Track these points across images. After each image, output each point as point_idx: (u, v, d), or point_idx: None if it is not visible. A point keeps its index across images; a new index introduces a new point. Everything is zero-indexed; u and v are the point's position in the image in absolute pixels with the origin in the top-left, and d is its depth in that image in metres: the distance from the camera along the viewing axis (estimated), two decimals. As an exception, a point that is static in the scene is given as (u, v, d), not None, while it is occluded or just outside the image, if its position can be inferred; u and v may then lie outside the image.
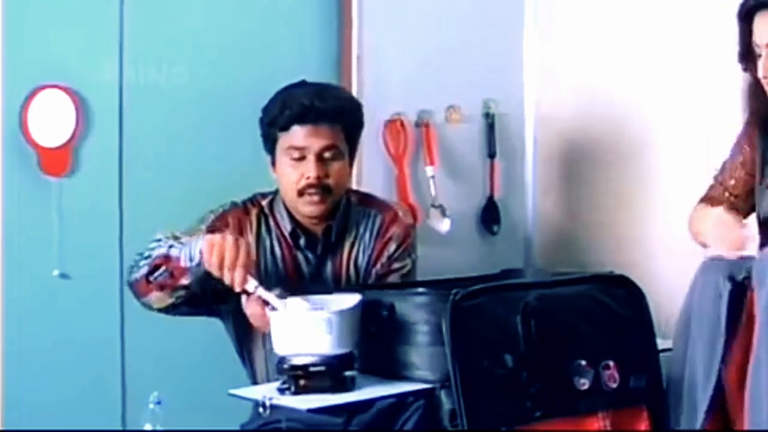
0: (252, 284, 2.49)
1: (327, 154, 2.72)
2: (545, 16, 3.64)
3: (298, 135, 2.71)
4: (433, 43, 3.46)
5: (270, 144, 2.76)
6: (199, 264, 2.53)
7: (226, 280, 2.48)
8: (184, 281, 2.58)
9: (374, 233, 2.80)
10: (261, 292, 2.50)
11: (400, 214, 2.87)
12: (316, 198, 2.71)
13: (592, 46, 3.53)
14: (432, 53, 3.46)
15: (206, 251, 2.50)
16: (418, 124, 3.46)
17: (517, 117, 3.65)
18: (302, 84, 2.78)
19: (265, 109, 2.76)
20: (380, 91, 3.35)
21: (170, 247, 2.58)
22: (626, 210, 3.44)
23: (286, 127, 2.71)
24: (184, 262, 2.55)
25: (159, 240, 2.63)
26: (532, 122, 3.67)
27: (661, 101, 3.35)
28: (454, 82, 3.51)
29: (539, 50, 3.65)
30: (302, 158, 2.71)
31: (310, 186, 2.70)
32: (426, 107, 3.47)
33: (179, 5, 3.16)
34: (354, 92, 3.25)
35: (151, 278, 2.60)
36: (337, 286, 2.75)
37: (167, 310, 2.67)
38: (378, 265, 2.79)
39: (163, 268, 2.58)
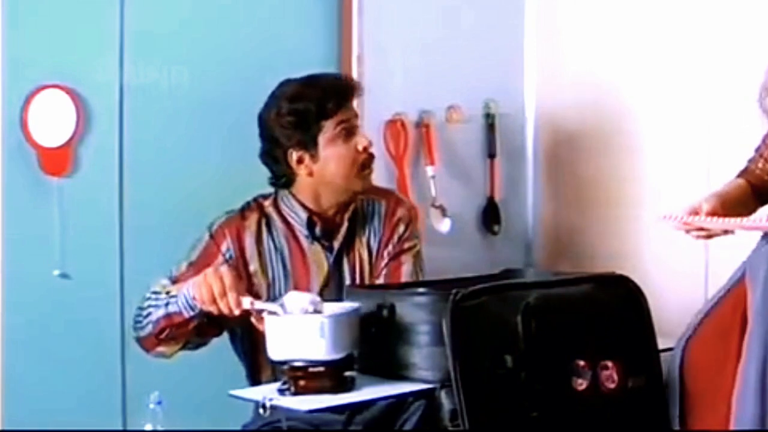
0: (246, 302, 2.52)
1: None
2: (546, 16, 3.64)
3: (345, 112, 2.79)
4: (434, 43, 3.47)
5: (309, 138, 2.77)
6: (201, 310, 2.58)
7: (223, 309, 2.53)
8: (192, 326, 2.64)
9: (382, 217, 2.86)
10: (258, 305, 2.52)
11: (401, 197, 3.02)
12: (368, 171, 2.82)
13: (592, 46, 3.53)
14: (432, 53, 3.46)
15: (197, 294, 2.55)
16: (418, 124, 3.46)
17: (518, 117, 3.66)
18: (309, 77, 2.81)
19: (295, 112, 2.76)
20: (381, 91, 3.35)
21: (167, 305, 2.64)
22: (627, 210, 3.43)
23: (332, 112, 2.76)
24: (186, 313, 2.61)
25: (152, 297, 2.69)
26: (532, 122, 3.67)
27: (661, 101, 3.35)
28: (455, 82, 3.51)
29: (539, 50, 3.65)
30: (351, 132, 2.79)
31: (367, 159, 2.79)
32: (426, 107, 3.47)
33: (179, 5, 3.16)
34: (354, 92, 3.25)
35: (161, 337, 2.67)
36: (352, 273, 2.82)
37: (182, 350, 2.74)
38: (390, 246, 2.85)
39: (168, 328, 2.65)
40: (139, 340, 2.74)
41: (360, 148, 2.78)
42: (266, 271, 2.78)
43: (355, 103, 2.86)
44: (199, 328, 2.67)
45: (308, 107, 2.76)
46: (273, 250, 2.79)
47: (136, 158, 3.10)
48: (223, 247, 2.76)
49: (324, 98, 2.76)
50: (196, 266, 2.70)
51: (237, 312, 2.53)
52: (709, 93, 3.22)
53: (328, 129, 2.76)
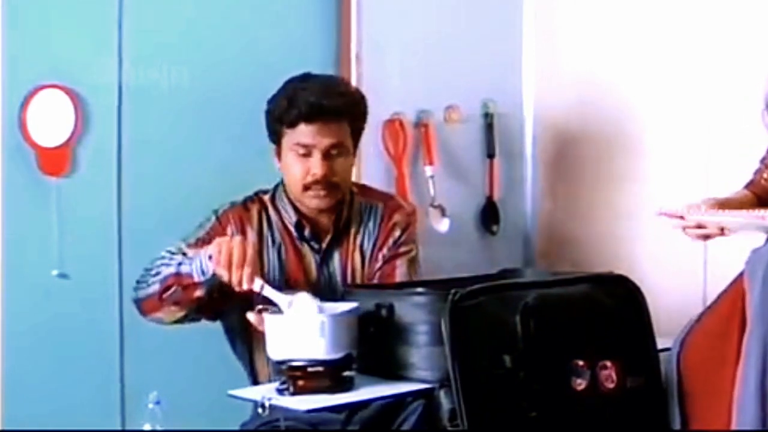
0: (258, 283, 2.51)
1: (333, 152, 2.73)
2: (544, 15, 3.64)
3: (304, 133, 2.71)
4: (432, 43, 3.46)
5: (275, 137, 2.77)
6: (212, 277, 2.55)
7: (234, 279, 2.50)
8: (198, 294, 2.60)
9: (378, 221, 2.83)
10: (267, 291, 2.51)
11: (401, 202, 2.94)
12: (322, 193, 2.73)
13: (591, 46, 3.53)
14: (431, 53, 3.46)
15: (215, 252, 2.52)
16: (417, 124, 3.46)
17: (516, 117, 3.66)
18: (307, 78, 2.78)
19: (271, 103, 2.76)
20: (379, 90, 3.34)
21: (179, 264, 2.61)
22: (625, 210, 3.44)
23: (293, 125, 2.72)
24: (197, 277, 2.58)
25: (165, 256, 2.66)
26: (531, 122, 3.67)
27: (660, 101, 3.35)
28: (453, 81, 3.51)
29: (538, 50, 3.65)
30: (308, 154, 2.72)
31: (315, 182, 2.72)
32: (425, 107, 3.47)
33: (178, 5, 3.16)
34: (353, 91, 3.24)
35: (165, 296, 2.62)
36: (343, 275, 2.78)
37: (177, 322, 2.70)
38: (384, 250, 2.82)
39: (175, 286, 2.61)
40: (139, 302, 2.69)
41: (309, 177, 2.71)
42: (263, 265, 2.74)
43: (335, 128, 2.73)
44: (201, 301, 2.62)
45: (280, 106, 2.73)
46: (271, 244, 2.78)
47: (134, 158, 3.10)
48: (228, 232, 2.74)
49: (288, 107, 2.71)
50: (205, 244, 2.65)
51: (246, 287, 2.50)
52: (709, 93, 3.22)
53: (289, 140, 2.73)
